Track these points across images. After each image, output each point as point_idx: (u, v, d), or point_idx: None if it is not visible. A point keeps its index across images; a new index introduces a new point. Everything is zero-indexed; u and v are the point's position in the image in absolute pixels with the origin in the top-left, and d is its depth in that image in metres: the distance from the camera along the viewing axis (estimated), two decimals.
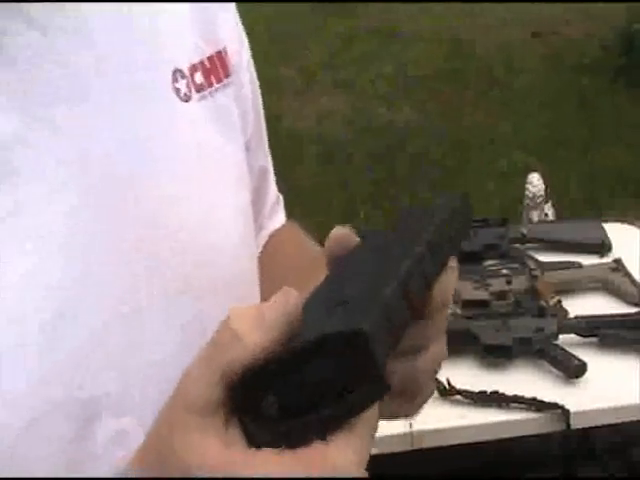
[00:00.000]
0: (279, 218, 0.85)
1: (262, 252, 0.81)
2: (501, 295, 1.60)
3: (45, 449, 0.53)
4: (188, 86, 0.62)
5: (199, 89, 0.63)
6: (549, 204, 2.00)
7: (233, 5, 0.72)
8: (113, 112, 0.57)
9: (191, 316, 0.61)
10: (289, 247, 0.83)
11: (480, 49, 5.38)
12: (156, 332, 0.59)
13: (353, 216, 3.51)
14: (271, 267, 0.77)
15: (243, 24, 0.75)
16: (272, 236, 0.83)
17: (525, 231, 1.81)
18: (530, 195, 1.99)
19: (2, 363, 0.51)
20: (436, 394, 1.42)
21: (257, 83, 0.76)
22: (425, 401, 0.55)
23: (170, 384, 0.59)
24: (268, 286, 0.73)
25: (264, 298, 0.73)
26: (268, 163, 0.81)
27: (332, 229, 0.51)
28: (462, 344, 1.48)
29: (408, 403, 0.53)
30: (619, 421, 1.45)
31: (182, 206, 0.61)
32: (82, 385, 0.55)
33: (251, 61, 0.75)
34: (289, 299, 0.42)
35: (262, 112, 0.78)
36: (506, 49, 5.35)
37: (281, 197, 0.87)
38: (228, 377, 0.41)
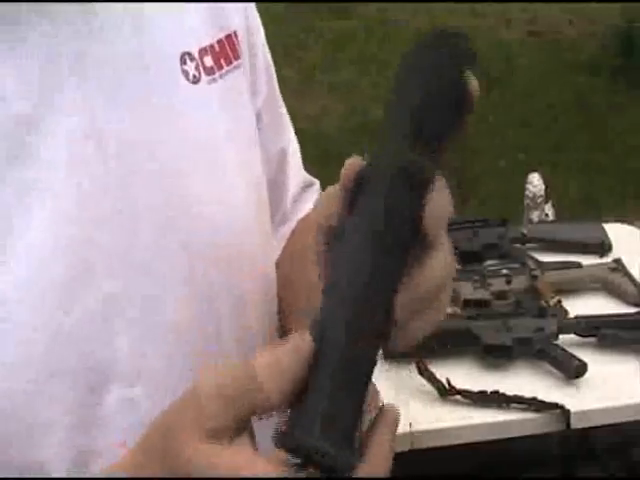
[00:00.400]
0: (306, 207, 0.84)
1: (287, 243, 0.81)
2: (501, 295, 1.60)
3: (54, 412, 0.55)
4: (197, 69, 0.64)
5: (209, 72, 0.65)
6: (549, 204, 2.00)
7: None
8: (122, 93, 0.58)
9: (203, 284, 0.62)
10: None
11: (480, 49, 5.37)
12: (169, 300, 0.60)
13: None
14: (292, 261, 0.78)
15: None
16: (298, 225, 0.83)
17: (525, 231, 1.81)
18: (530, 195, 1.99)
19: (15, 325, 0.52)
20: (436, 394, 1.42)
21: (272, 66, 0.77)
22: (442, 314, 0.52)
23: (179, 358, 0.61)
24: (294, 279, 0.74)
25: (290, 297, 0.74)
26: (290, 146, 0.80)
27: None
28: (462, 344, 1.48)
29: (422, 321, 0.50)
30: (619, 421, 1.45)
31: (190, 182, 0.62)
32: (94, 351, 0.56)
33: (265, 45, 0.76)
34: (303, 345, 0.44)
35: (279, 95, 0.79)
36: (506, 49, 5.35)
37: (317, 183, 0.86)
38: (245, 416, 0.43)
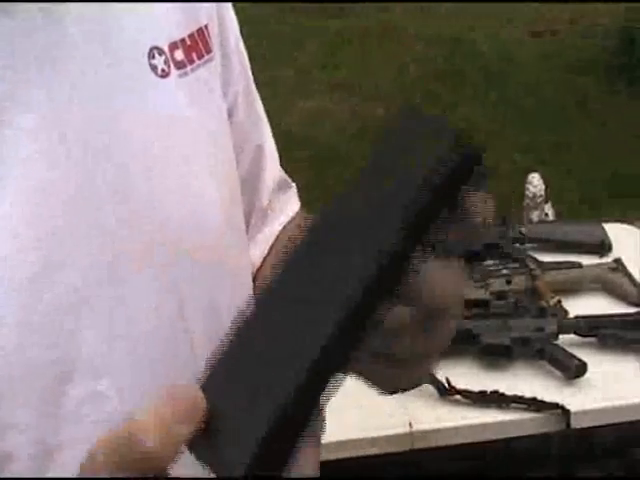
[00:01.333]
0: (288, 208, 0.83)
1: (271, 251, 0.80)
2: (501, 295, 1.60)
3: (19, 404, 0.54)
4: (167, 63, 0.64)
5: (179, 66, 0.65)
6: (549, 204, 2.00)
7: None
8: (87, 88, 0.58)
9: (170, 281, 0.62)
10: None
11: (480, 49, 5.38)
12: (137, 295, 0.60)
13: None
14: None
15: (239, 23, 0.76)
16: (282, 232, 0.82)
17: (525, 231, 1.81)
18: (530, 195, 1.99)
19: None
20: (436, 394, 1.42)
21: (246, 59, 0.77)
22: (446, 340, 0.50)
23: (147, 350, 0.60)
24: None
25: None
26: (266, 142, 0.80)
27: None
28: (462, 344, 1.48)
29: (426, 342, 0.49)
30: (619, 421, 1.45)
31: (156, 177, 0.62)
32: (59, 343, 0.56)
33: (239, 37, 0.75)
34: (197, 409, 0.38)
35: (254, 90, 0.78)
36: (506, 49, 5.35)
37: (294, 186, 0.85)
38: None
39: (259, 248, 0.79)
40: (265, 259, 0.79)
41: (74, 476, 0.39)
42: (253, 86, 0.78)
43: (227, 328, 0.69)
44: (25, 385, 0.54)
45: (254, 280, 0.77)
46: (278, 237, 0.81)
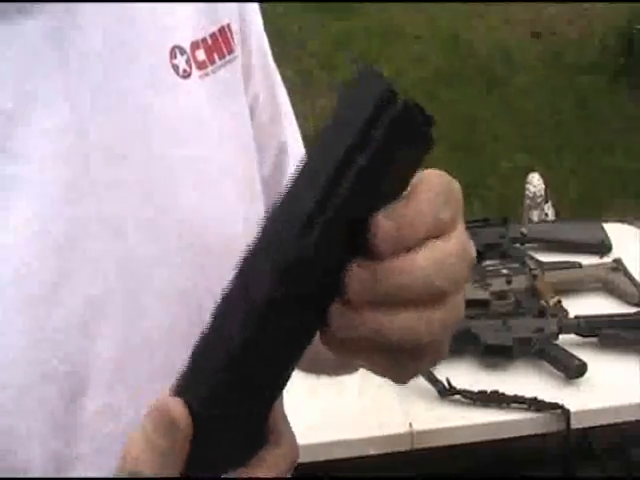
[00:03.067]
0: None
1: None
2: (501, 295, 1.60)
3: (32, 417, 0.53)
4: (188, 63, 0.62)
5: (201, 66, 0.64)
6: (549, 204, 2.00)
7: None
8: (107, 88, 0.57)
9: (187, 288, 0.61)
10: None
11: (480, 49, 5.38)
12: (152, 304, 0.59)
13: None
14: None
15: None
16: None
17: (525, 231, 1.81)
18: (530, 195, 1.99)
19: None
20: (436, 394, 1.42)
21: (270, 58, 0.76)
22: (440, 357, 0.48)
23: (163, 361, 0.59)
24: None
25: None
26: (290, 139, 0.78)
27: None
28: (462, 344, 1.48)
29: (416, 361, 0.46)
30: (619, 421, 1.45)
31: (178, 181, 0.61)
32: (73, 355, 0.55)
33: (263, 34, 0.74)
34: (176, 422, 0.41)
35: (279, 90, 0.77)
36: (506, 49, 5.35)
37: None
38: None
39: None
40: None
41: None
42: (279, 86, 0.77)
43: None
44: (39, 397, 0.53)
45: None
46: None
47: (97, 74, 0.57)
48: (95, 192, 0.56)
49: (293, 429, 0.46)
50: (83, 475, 0.55)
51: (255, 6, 0.74)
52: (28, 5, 0.54)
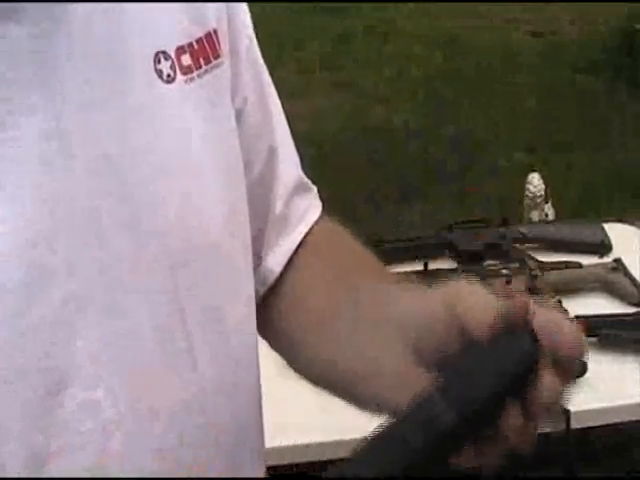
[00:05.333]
0: (307, 216, 0.79)
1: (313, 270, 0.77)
2: None
3: (10, 413, 0.53)
4: (172, 67, 0.62)
5: (186, 71, 0.63)
6: (549, 204, 2.00)
7: None
8: (90, 92, 0.57)
9: (168, 290, 0.61)
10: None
11: (480, 49, 5.38)
12: (132, 303, 0.59)
13: (351, 218, 3.51)
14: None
15: None
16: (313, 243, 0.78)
17: (525, 231, 1.81)
18: (530, 195, 1.99)
19: None
20: None
21: (260, 59, 0.75)
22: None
23: (144, 359, 0.59)
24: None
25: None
26: (279, 146, 0.77)
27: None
28: None
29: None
30: (619, 421, 1.45)
31: (160, 184, 0.61)
32: (52, 353, 0.55)
33: (253, 37, 0.74)
34: None
35: (270, 91, 0.76)
36: (506, 49, 5.35)
37: (313, 189, 0.82)
38: None
39: (277, 258, 0.76)
40: (286, 271, 0.76)
41: None
42: (269, 88, 0.76)
43: (228, 337, 0.68)
44: (17, 393, 0.53)
45: (272, 289, 0.76)
46: (298, 249, 0.77)
47: (80, 79, 0.57)
48: (76, 193, 0.56)
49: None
50: (62, 471, 0.55)
51: (244, 7, 0.73)
52: (10, 10, 0.53)
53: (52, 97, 0.55)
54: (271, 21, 5.48)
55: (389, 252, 1.69)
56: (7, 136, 0.53)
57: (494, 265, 1.70)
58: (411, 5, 5.90)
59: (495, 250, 1.75)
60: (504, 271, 1.66)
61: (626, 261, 1.70)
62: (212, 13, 0.67)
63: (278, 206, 0.77)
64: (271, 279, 0.76)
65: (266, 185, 0.76)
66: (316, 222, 0.80)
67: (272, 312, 0.76)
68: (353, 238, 0.80)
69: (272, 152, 0.76)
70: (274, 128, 0.77)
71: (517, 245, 1.79)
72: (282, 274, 0.76)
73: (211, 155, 0.66)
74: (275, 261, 0.76)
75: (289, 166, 0.78)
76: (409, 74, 5.11)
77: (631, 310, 1.60)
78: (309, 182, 0.82)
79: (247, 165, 0.72)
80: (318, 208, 0.81)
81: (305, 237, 0.78)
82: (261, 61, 0.75)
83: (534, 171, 2.05)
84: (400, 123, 4.48)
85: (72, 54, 0.56)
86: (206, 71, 0.65)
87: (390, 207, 3.63)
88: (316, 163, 4.16)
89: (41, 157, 0.54)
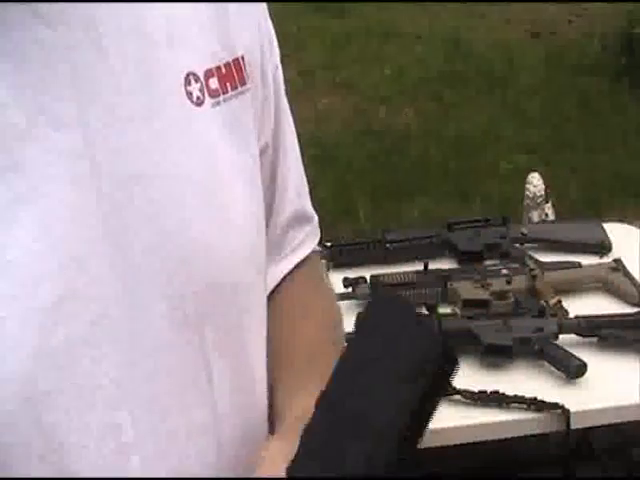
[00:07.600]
0: (301, 250, 0.80)
1: (277, 299, 0.77)
2: (501, 295, 1.60)
3: (33, 433, 0.53)
4: (201, 90, 0.62)
5: (213, 94, 0.63)
6: (549, 204, 2.00)
7: (260, 7, 0.71)
8: (121, 110, 0.57)
9: (190, 313, 0.61)
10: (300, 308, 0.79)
11: (480, 50, 5.38)
12: (156, 326, 0.59)
13: (352, 218, 3.51)
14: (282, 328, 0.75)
15: None
16: (291, 281, 0.79)
17: (525, 231, 1.81)
18: (530, 195, 1.99)
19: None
20: None
21: (283, 95, 0.75)
22: None
23: (165, 382, 0.59)
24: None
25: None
26: (289, 170, 0.77)
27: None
28: (462, 344, 1.48)
29: None
30: (619, 421, 1.45)
31: (187, 207, 0.61)
32: (76, 374, 0.55)
33: (279, 67, 0.74)
34: None
35: (285, 117, 0.76)
36: (506, 49, 5.35)
37: (314, 220, 0.82)
38: None
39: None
40: (270, 297, 0.76)
41: None
42: (286, 112, 0.76)
43: (247, 360, 0.71)
44: (41, 415, 0.53)
45: None
46: (283, 282, 0.78)
47: (110, 96, 0.56)
48: (102, 213, 0.56)
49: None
50: None
51: (272, 39, 0.73)
52: (46, 13, 0.53)
53: (84, 111, 0.55)
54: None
55: (389, 252, 1.69)
56: (37, 150, 0.53)
57: (494, 265, 1.70)
58: (411, 5, 5.89)
59: (495, 250, 1.75)
60: (504, 271, 1.66)
61: (626, 261, 1.70)
62: (242, 37, 0.67)
63: (273, 232, 0.77)
64: None
65: (267, 208, 0.76)
66: (307, 257, 0.80)
67: None
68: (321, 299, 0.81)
69: (273, 179, 0.76)
70: (286, 152, 0.77)
71: (517, 245, 1.79)
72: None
73: (236, 179, 0.66)
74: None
75: (293, 194, 0.78)
76: (409, 74, 5.11)
77: (631, 310, 1.60)
78: (311, 212, 0.82)
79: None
80: (314, 242, 0.82)
81: (291, 271, 0.79)
82: (284, 95, 0.75)
83: (534, 171, 2.05)
84: (401, 123, 4.48)
85: (104, 69, 0.56)
86: (232, 96, 0.65)
87: (390, 207, 3.62)
88: (317, 163, 4.16)
89: (71, 175, 0.54)
